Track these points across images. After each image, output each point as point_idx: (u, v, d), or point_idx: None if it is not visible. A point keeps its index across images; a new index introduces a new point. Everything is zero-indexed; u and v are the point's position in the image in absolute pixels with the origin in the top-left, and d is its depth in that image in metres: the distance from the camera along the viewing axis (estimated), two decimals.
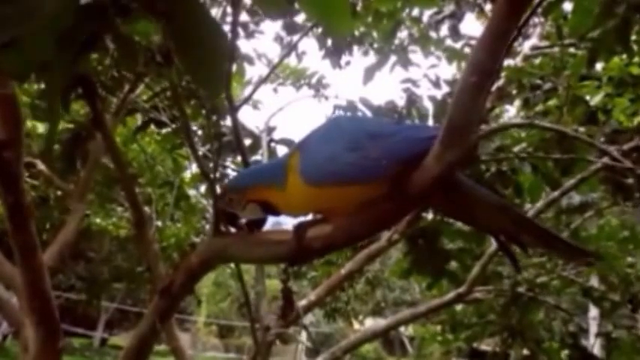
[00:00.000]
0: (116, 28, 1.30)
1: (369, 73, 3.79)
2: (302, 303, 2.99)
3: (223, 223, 1.33)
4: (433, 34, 3.74)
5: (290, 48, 3.77)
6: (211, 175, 1.95)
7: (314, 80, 4.94)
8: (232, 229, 1.33)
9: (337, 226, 1.18)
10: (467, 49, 3.68)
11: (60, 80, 0.98)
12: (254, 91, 3.21)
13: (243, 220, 1.29)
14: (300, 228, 1.21)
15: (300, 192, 1.18)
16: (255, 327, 2.66)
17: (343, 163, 1.14)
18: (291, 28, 3.58)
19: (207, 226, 5.05)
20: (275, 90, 5.04)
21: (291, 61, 4.87)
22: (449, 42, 3.75)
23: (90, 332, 18.06)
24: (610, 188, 3.09)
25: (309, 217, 1.27)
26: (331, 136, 1.22)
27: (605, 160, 2.44)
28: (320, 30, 3.47)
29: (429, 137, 1.11)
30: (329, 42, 3.67)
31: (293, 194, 1.20)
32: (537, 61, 3.61)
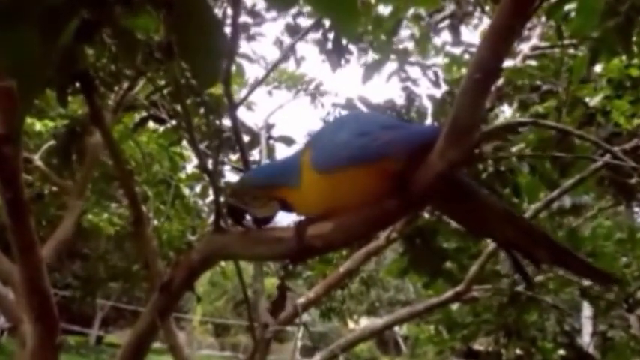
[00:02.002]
0: (116, 21, 1.30)
1: (369, 72, 3.77)
2: (300, 301, 2.99)
3: (231, 219, 1.33)
4: (434, 36, 3.73)
5: (287, 49, 3.76)
6: (212, 172, 1.95)
7: (312, 86, 4.92)
8: (237, 227, 1.32)
9: (337, 225, 1.18)
10: (466, 57, 3.66)
11: (41, 68, 0.96)
12: (252, 90, 3.21)
13: (248, 218, 1.29)
14: (300, 226, 1.20)
15: (315, 185, 1.17)
16: (253, 325, 2.65)
17: (353, 146, 1.14)
18: (293, 31, 3.57)
19: (204, 225, 5.04)
20: (270, 93, 5.03)
21: (290, 65, 4.87)
22: (448, 48, 3.75)
23: (86, 330, 18.02)
24: (612, 190, 3.09)
25: None
26: (342, 126, 1.23)
27: (607, 159, 2.44)
28: (320, 34, 3.46)
29: (439, 130, 1.12)
30: (329, 45, 3.66)
31: (308, 190, 1.19)
32: (536, 62, 3.61)
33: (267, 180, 1.29)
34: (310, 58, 4.11)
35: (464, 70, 3.65)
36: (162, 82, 3.02)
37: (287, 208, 1.26)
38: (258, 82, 3.40)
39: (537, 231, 1.24)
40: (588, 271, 1.28)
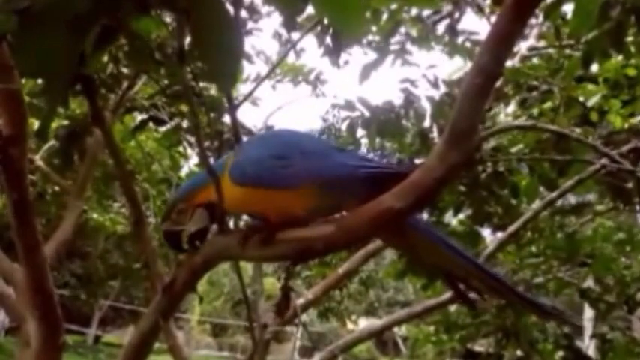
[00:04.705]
0: (128, 26, 1.31)
1: (366, 72, 3.76)
2: (299, 301, 3.00)
3: (169, 246, 1.37)
4: (432, 35, 3.73)
5: (290, 47, 3.76)
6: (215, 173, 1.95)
7: (312, 77, 4.92)
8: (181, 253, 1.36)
9: (339, 227, 1.18)
10: (468, 44, 3.65)
11: (66, 69, 0.98)
12: (253, 89, 3.21)
13: (186, 240, 1.32)
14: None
15: (229, 190, 1.22)
16: (252, 325, 2.66)
17: (264, 168, 1.20)
18: (290, 26, 3.57)
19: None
20: (274, 87, 5.04)
21: (290, 57, 4.87)
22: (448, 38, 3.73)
23: (84, 329, 18.00)
24: (609, 193, 3.10)
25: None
26: (266, 142, 1.31)
27: (604, 161, 2.46)
28: (319, 28, 3.46)
29: (358, 166, 1.19)
30: (328, 40, 3.65)
31: (225, 191, 1.23)
32: (534, 61, 3.62)
33: (190, 188, 1.35)
34: (310, 50, 4.11)
35: (466, 62, 3.65)
36: (163, 84, 3.03)
37: (216, 214, 1.29)
38: (260, 81, 3.41)
39: (474, 264, 1.28)
40: (525, 302, 1.34)
